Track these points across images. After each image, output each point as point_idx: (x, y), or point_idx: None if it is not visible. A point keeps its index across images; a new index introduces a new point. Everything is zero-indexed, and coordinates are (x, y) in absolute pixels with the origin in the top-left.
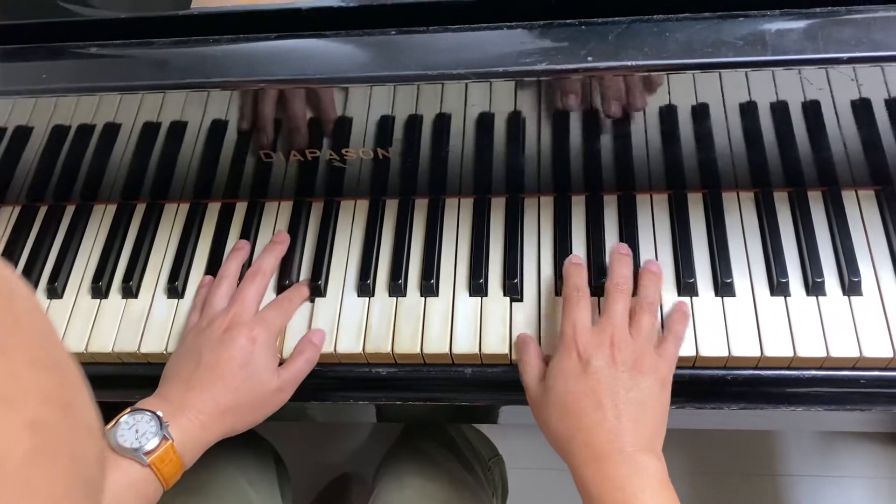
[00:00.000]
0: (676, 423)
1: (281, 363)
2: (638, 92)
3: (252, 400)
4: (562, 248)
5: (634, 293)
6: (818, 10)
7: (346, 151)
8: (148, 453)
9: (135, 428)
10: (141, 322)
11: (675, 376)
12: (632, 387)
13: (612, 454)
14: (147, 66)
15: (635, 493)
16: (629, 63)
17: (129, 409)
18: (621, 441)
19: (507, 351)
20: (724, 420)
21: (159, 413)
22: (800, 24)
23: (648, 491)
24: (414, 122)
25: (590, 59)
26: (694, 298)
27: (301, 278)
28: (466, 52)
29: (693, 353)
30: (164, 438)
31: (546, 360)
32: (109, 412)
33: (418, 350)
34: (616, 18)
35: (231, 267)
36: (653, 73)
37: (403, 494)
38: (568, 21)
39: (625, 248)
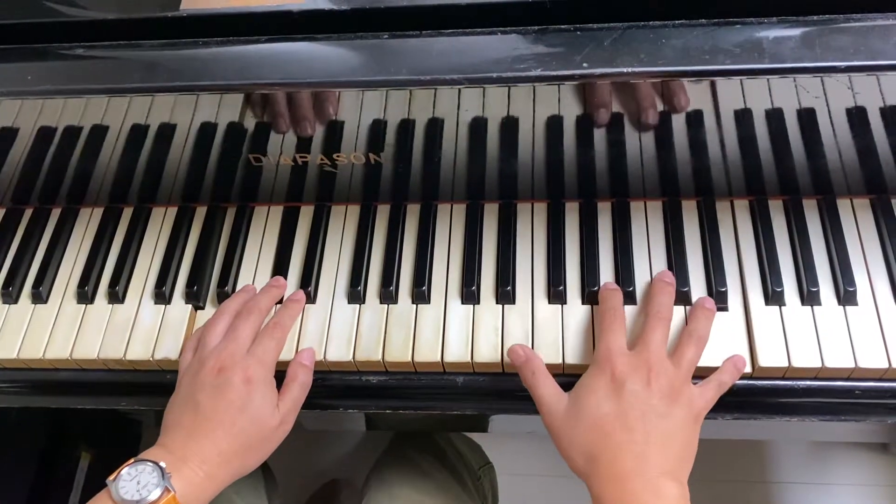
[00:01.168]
0: None
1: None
2: (637, 98)
3: (257, 440)
4: (555, 256)
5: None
6: (815, 17)
7: (338, 156)
8: None
9: (136, 479)
10: (127, 328)
11: None
12: (665, 414)
13: (635, 476)
14: (135, 68)
15: None
16: (625, 70)
17: (131, 461)
18: (646, 465)
19: (499, 359)
20: (719, 430)
21: (162, 464)
22: (797, 31)
23: None
24: (406, 126)
25: (585, 65)
26: (687, 307)
27: (290, 283)
28: (460, 57)
29: None
30: (167, 490)
31: None
32: (98, 421)
33: (409, 358)
34: (611, 24)
35: (231, 305)
36: (648, 80)
37: None
38: (563, 27)
39: (669, 276)
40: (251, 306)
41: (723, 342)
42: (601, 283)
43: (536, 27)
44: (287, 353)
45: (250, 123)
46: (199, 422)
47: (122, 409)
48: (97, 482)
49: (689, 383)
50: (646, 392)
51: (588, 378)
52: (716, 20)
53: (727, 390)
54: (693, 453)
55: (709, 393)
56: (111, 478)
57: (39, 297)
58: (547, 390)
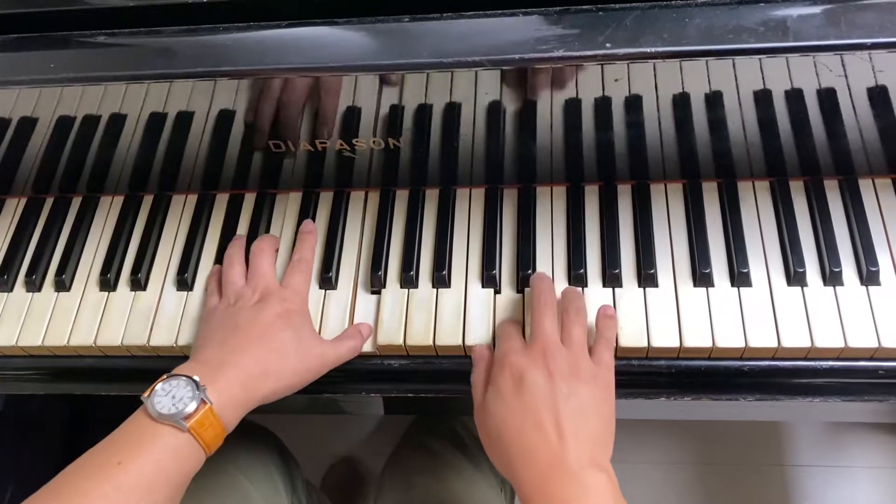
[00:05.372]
0: (689, 414)
1: None
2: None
3: (294, 361)
4: (575, 239)
5: None
6: None
7: (357, 141)
8: (186, 418)
9: (171, 394)
10: (150, 315)
11: (690, 367)
12: (570, 395)
13: (557, 476)
14: (156, 55)
15: None
16: (648, 50)
17: (164, 376)
18: (565, 460)
19: None
20: (739, 411)
21: (195, 377)
22: (821, 8)
23: None
24: (425, 110)
25: (608, 45)
26: (710, 289)
27: (312, 269)
28: (481, 38)
29: (709, 345)
30: (203, 402)
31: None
32: (120, 409)
33: (431, 342)
34: (633, 4)
35: (235, 250)
36: (672, 60)
37: (411, 494)
38: (584, 7)
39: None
40: (258, 246)
41: (746, 323)
42: (621, 267)
43: (557, 8)
44: None
45: (269, 110)
46: (237, 335)
47: None
48: None
49: (586, 357)
50: (546, 379)
51: (491, 382)
52: None
53: (749, 370)
54: (611, 429)
55: (603, 355)
56: (146, 394)
57: (62, 285)
58: (477, 395)
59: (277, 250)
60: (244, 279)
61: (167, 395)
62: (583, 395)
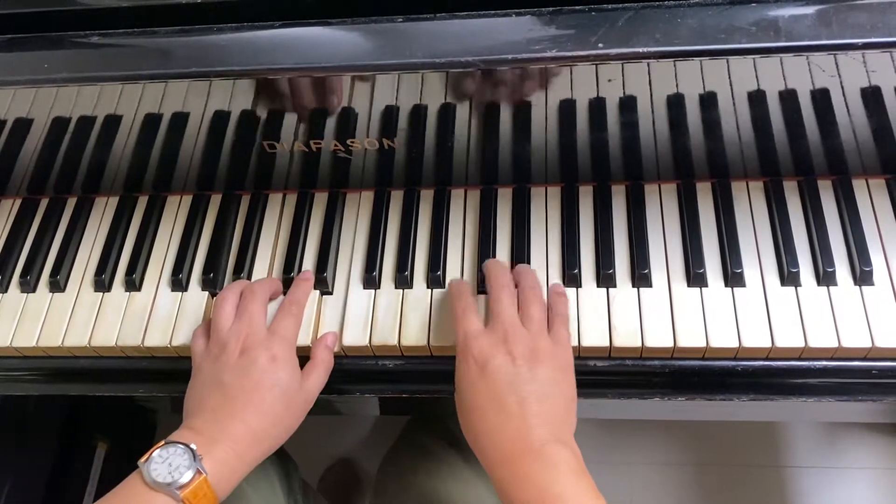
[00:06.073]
0: (684, 414)
1: None
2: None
3: (285, 418)
4: (570, 240)
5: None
6: None
7: (352, 142)
8: (181, 488)
9: (168, 461)
10: (144, 315)
11: (684, 368)
12: (531, 379)
13: (520, 453)
14: (150, 55)
15: (548, 486)
16: (640, 50)
17: (162, 443)
18: (528, 438)
19: None
20: (734, 411)
21: (193, 446)
22: (812, 9)
23: (561, 483)
24: (419, 111)
25: (600, 45)
26: (703, 289)
27: (306, 270)
28: (475, 39)
29: (703, 345)
30: (198, 472)
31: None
32: (114, 410)
33: (425, 342)
34: (626, 4)
35: (230, 290)
36: (664, 60)
37: (407, 494)
38: (577, 7)
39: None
40: (254, 287)
41: (739, 323)
42: (616, 267)
43: (550, 8)
44: (304, 339)
45: (263, 110)
46: (227, 403)
47: (139, 396)
48: (114, 471)
49: (546, 338)
50: (509, 364)
51: (456, 370)
52: None
53: (743, 370)
54: (572, 408)
55: (560, 333)
56: (143, 460)
57: (57, 285)
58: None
59: (273, 299)
60: (231, 321)
61: (164, 462)
62: (543, 377)
